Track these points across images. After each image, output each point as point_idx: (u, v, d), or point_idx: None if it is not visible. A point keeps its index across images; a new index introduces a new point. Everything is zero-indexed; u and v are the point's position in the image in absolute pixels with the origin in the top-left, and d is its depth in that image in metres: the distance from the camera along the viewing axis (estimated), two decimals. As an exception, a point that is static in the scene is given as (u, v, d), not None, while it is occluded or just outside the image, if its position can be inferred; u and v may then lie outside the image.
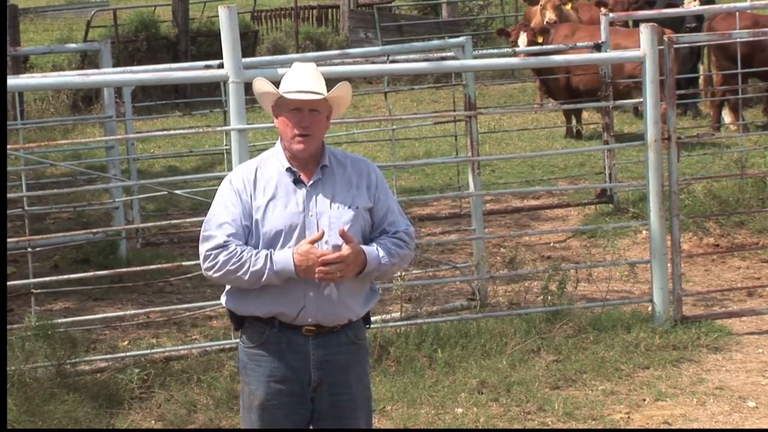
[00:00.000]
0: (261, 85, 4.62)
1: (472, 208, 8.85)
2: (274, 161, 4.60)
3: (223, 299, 4.65)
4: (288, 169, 4.57)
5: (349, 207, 4.53)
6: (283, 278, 4.43)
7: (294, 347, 4.52)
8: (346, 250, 4.41)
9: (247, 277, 4.43)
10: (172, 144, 16.04)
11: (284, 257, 4.42)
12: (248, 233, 4.51)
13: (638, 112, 15.75)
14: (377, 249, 4.52)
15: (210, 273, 4.50)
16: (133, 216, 10.78)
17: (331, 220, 4.50)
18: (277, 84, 4.62)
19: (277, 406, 4.54)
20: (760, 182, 10.58)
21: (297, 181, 4.55)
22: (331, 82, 4.74)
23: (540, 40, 14.83)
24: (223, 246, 4.46)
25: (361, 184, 4.60)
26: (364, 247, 4.49)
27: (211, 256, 4.47)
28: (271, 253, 4.43)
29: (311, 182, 4.55)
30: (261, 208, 4.51)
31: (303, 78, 4.55)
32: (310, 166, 4.58)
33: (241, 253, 4.44)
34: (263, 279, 4.42)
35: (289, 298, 4.48)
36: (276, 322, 4.53)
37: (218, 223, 4.51)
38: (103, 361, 7.38)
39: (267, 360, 4.54)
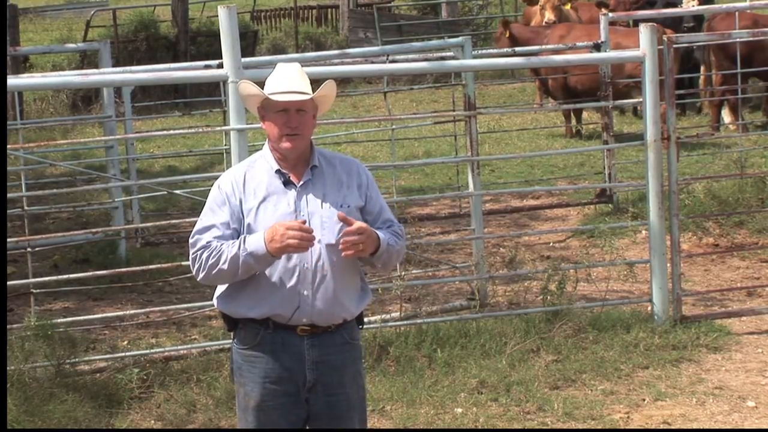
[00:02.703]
0: (246, 88, 4.62)
1: (472, 208, 8.85)
2: (263, 163, 4.60)
3: (215, 302, 4.66)
4: (277, 171, 4.57)
5: (341, 206, 4.54)
6: (261, 260, 4.41)
7: (289, 348, 4.53)
8: (362, 222, 4.44)
9: (226, 266, 4.43)
10: (172, 144, 16.04)
11: (256, 237, 4.42)
12: (237, 237, 4.51)
13: (638, 112, 15.77)
14: (382, 233, 4.54)
15: (199, 275, 4.53)
16: (133, 216, 10.78)
17: (323, 219, 4.50)
18: (261, 86, 4.62)
19: (273, 407, 4.55)
20: (759, 182, 10.57)
21: (287, 183, 4.56)
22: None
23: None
24: (206, 246, 4.48)
25: (351, 183, 4.61)
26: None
27: (197, 258, 4.50)
28: (245, 236, 4.45)
29: (301, 183, 4.56)
30: (252, 211, 4.52)
31: (288, 78, 4.54)
32: (300, 167, 4.58)
33: (220, 247, 4.46)
34: (240, 264, 4.41)
35: (283, 299, 4.49)
36: (270, 323, 4.53)
37: (205, 227, 4.53)
38: (102, 361, 7.38)
39: (262, 361, 4.54)
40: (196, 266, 4.51)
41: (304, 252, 4.42)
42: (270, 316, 4.51)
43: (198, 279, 4.55)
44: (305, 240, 4.36)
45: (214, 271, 4.47)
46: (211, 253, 4.46)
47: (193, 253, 4.52)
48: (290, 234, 4.34)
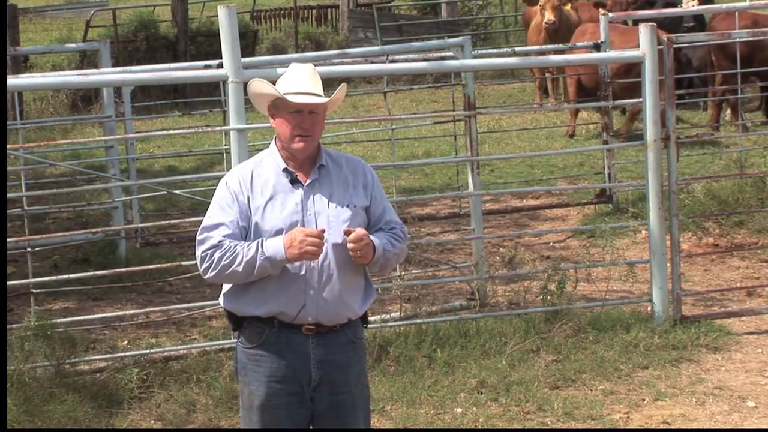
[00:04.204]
0: (260, 86, 4.62)
1: (472, 207, 8.85)
2: (270, 162, 4.61)
3: (221, 300, 4.66)
4: (285, 170, 4.58)
5: (347, 206, 4.56)
6: (276, 265, 4.43)
7: (294, 347, 4.53)
8: (360, 230, 4.45)
9: (241, 268, 4.43)
10: (172, 144, 16.04)
11: (275, 242, 4.43)
12: (245, 234, 4.52)
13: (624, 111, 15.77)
14: (379, 239, 4.56)
15: (208, 274, 4.52)
16: (133, 216, 10.78)
17: (330, 219, 4.52)
18: (272, 84, 4.63)
19: (278, 406, 4.55)
20: (759, 182, 10.57)
21: (294, 181, 4.57)
22: (331, 81, 4.75)
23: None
24: (218, 245, 4.48)
25: (357, 183, 4.63)
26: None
27: (207, 257, 4.49)
28: (262, 240, 4.45)
29: (308, 182, 4.57)
30: (260, 209, 4.53)
31: (304, 79, 4.57)
32: (307, 166, 4.60)
33: (234, 247, 4.46)
34: (256, 267, 4.43)
35: (289, 298, 4.49)
36: (276, 322, 4.53)
37: (214, 224, 4.53)
38: (102, 361, 7.38)
39: (267, 360, 4.55)
40: (206, 265, 4.50)
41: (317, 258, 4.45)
42: (276, 314, 4.52)
43: (205, 277, 4.55)
44: (321, 247, 4.40)
45: (227, 272, 4.47)
46: (224, 253, 4.46)
47: (203, 252, 4.51)
48: (309, 241, 4.37)
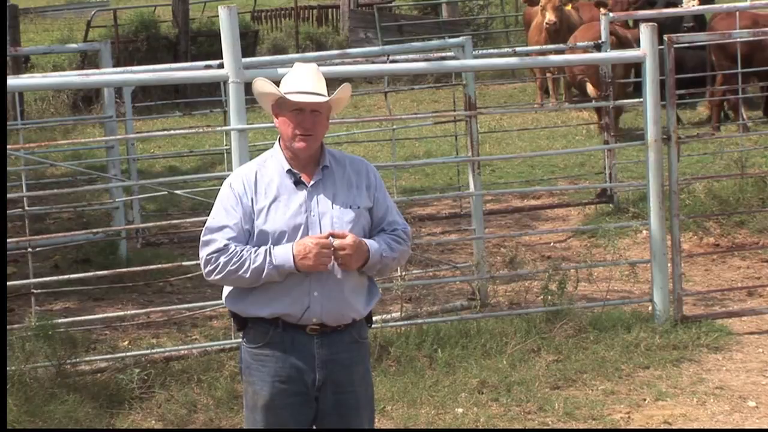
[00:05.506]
0: (262, 85, 4.62)
1: (473, 208, 8.85)
2: (274, 163, 4.61)
3: (225, 301, 4.65)
4: (288, 171, 4.58)
5: (351, 207, 4.56)
6: (283, 273, 4.43)
7: (298, 347, 4.53)
8: (349, 238, 4.44)
9: (248, 275, 4.44)
10: (172, 144, 16.04)
11: (284, 251, 4.43)
12: (249, 237, 4.52)
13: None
14: (378, 243, 4.55)
15: (211, 276, 4.52)
16: (134, 216, 10.78)
17: (334, 220, 4.52)
18: (276, 83, 4.63)
19: (282, 406, 4.55)
20: (760, 182, 10.57)
21: (298, 182, 4.57)
22: (331, 81, 4.75)
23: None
24: (223, 249, 4.47)
25: (360, 184, 4.62)
26: (365, 240, 4.52)
27: (212, 260, 4.49)
28: (270, 248, 4.45)
29: (312, 183, 4.57)
30: (263, 211, 4.52)
31: (306, 79, 4.56)
32: (310, 167, 4.59)
33: (240, 252, 4.45)
34: (263, 275, 4.43)
35: (294, 299, 4.49)
36: (280, 322, 4.53)
37: (218, 227, 4.52)
38: (103, 361, 7.38)
39: (272, 360, 4.54)
40: (210, 268, 4.50)
41: None
42: (280, 315, 4.52)
43: (208, 279, 4.55)
44: (331, 256, 4.42)
45: (232, 277, 4.48)
46: (231, 258, 4.45)
47: (208, 255, 4.50)
48: (325, 252, 4.39)
